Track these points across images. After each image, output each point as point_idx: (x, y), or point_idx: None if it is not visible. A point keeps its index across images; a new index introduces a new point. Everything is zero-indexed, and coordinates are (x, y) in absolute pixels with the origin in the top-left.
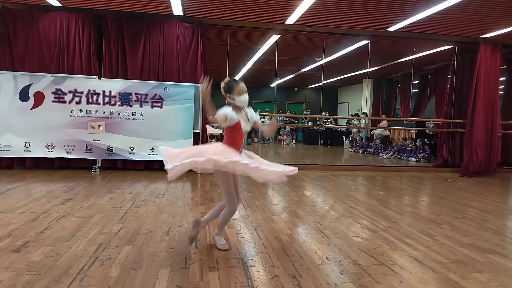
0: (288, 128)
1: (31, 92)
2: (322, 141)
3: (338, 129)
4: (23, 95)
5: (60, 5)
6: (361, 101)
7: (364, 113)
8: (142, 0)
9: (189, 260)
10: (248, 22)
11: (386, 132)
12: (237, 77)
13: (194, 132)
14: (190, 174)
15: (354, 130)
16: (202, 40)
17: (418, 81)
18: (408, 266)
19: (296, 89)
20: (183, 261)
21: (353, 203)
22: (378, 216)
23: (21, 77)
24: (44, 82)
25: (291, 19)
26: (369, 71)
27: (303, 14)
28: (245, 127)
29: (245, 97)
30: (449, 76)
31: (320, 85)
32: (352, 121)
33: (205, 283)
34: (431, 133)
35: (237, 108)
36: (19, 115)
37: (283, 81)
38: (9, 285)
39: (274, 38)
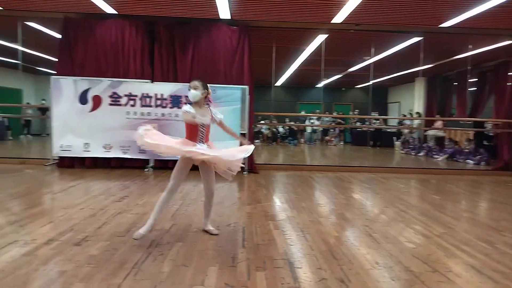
0: (337, 129)
1: (89, 96)
2: (371, 142)
3: (388, 130)
4: (83, 99)
5: (116, 12)
6: (413, 101)
7: (417, 113)
8: (191, 5)
9: (236, 259)
10: (294, 23)
11: (441, 133)
12: (283, 78)
13: (241, 133)
14: (237, 175)
15: (406, 131)
16: (249, 42)
17: (475, 79)
18: (465, 274)
19: (343, 89)
20: (230, 260)
21: (404, 207)
22: (432, 221)
23: (81, 81)
24: (101, 86)
25: (338, 18)
26: (422, 69)
27: (351, 12)
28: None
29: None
30: (510, 74)
31: (369, 85)
32: (404, 121)
33: (252, 282)
34: (491, 134)
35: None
36: (79, 118)
37: (330, 81)
38: (72, 276)
39: (321, 38)
